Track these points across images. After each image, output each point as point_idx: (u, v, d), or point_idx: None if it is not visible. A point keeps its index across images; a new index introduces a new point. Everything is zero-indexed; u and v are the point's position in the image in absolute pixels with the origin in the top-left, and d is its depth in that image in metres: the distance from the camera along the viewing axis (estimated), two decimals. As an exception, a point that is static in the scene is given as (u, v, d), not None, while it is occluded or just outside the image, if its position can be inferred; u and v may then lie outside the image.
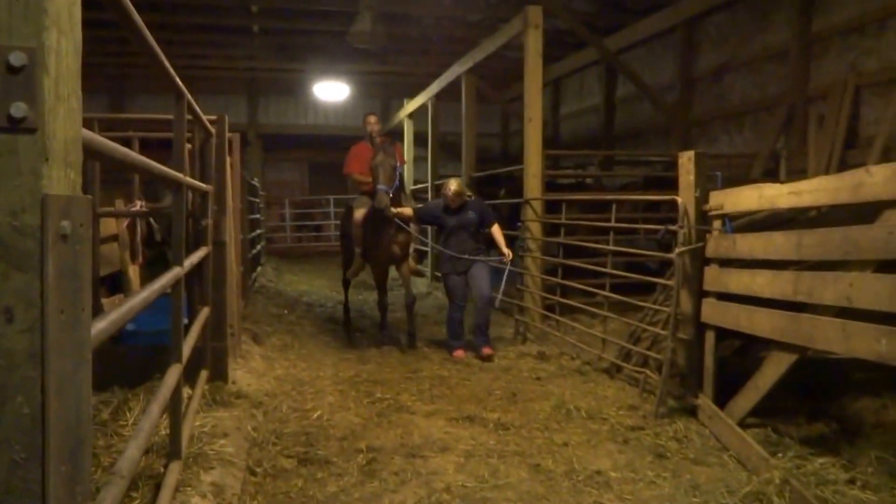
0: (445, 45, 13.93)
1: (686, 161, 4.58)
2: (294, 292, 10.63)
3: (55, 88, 1.17)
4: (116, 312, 1.70)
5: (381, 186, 6.15)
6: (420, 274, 7.65)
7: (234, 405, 4.20)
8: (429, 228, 8.96)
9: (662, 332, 4.80)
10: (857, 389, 4.41)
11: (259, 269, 11.64)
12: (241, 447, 3.64)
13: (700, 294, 4.47)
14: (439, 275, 10.22)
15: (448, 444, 4.01)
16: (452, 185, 6.44)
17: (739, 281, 4.05)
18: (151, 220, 6.22)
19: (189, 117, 3.30)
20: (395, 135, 6.70)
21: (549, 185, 8.72)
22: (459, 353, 6.29)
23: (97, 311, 3.88)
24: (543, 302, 7.11)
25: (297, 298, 9.97)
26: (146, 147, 4.70)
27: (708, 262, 4.43)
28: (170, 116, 3.12)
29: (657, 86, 11.73)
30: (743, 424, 3.93)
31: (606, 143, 13.69)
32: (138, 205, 5.43)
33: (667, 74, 11.87)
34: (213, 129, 4.40)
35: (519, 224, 7.52)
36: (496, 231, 6.56)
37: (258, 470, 3.51)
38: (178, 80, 2.71)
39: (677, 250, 4.52)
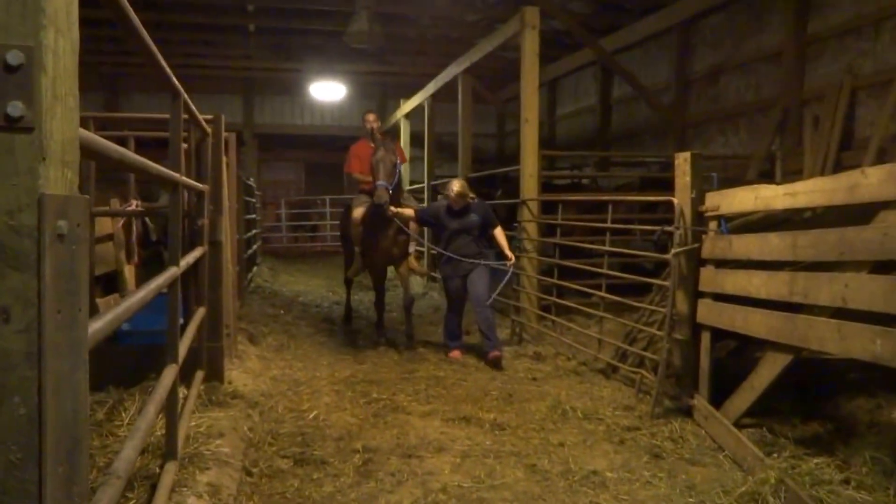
0: (442, 46, 13.93)
1: (682, 162, 4.59)
2: (290, 292, 10.62)
3: (52, 87, 1.17)
4: (113, 312, 1.70)
5: (380, 182, 6.10)
6: (423, 274, 7.58)
7: (230, 405, 4.19)
8: (425, 230, 8.87)
9: (658, 332, 4.81)
10: (852, 390, 4.43)
11: (255, 269, 11.63)
12: (238, 447, 3.63)
13: (696, 295, 4.48)
14: (435, 275, 10.24)
15: (444, 445, 4.01)
16: (455, 185, 6.30)
17: (735, 282, 4.06)
18: (147, 219, 6.21)
19: (185, 117, 3.30)
20: (392, 135, 6.65)
21: (546, 186, 8.72)
22: (456, 353, 6.29)
23: (92, 311, 3.86)
24: (539, 302, 7.12)
25: (293, 299, 9.96)
26: (142, 146, 4.68)
27: (704, 262, 4.44)
28: (166, 116, 3.11)
29: (653, 87, 11.74)
30: (738, 425, 3.94)
31: (602, 143, 13.70)
32: (134, 204, 5.41)
33: (663, 75, 11.89)
34: (209, 129, 4.39)
35: (515, 225, 7.52)
36: (499, 234, 6.45)
37: (254, 470, 3.51)
38: (174, 79, 2.70)
39: (673, 251, 4.53)
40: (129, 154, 1.99)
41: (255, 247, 11.72)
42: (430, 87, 11.45)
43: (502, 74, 15.30)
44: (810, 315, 3.40)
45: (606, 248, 6.13)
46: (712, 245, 4.34)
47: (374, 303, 7.19)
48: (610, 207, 6.29)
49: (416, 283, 10.12)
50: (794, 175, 7.88)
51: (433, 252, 9.03)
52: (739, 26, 9.96)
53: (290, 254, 17.72)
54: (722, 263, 4.29)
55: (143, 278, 5.60)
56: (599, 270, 6.14)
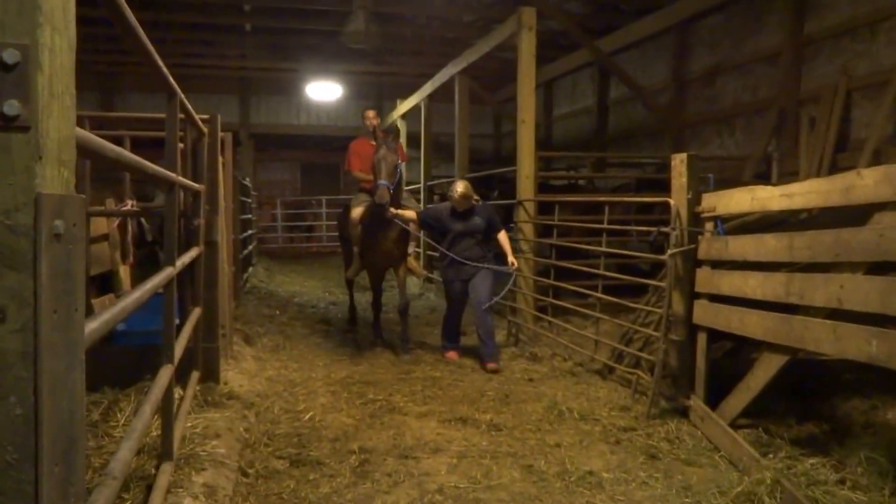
0: (439, 46, 13.93)
1: (678, 163, 4.59)
2: (286, 293, 10.60)
3: (49, 86, 1.16)
4: (109, 312, 1.69)
5: (382, 182, 5.98)
6: (421, 276, 7.49)
7: (226, 406, 4.18)
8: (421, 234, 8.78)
9: (654, 333, 4.82)
10: (848, 390, 4.44)
11: (250, 269, 11.60)
12: (233, 448, 3.62)
13: (692, 296, 4.49)
14: (432, 276, 10.23)
15: (440, 446, 4.01)
16: (459, 187, 6.17)
17: (731, 282, 4.07)
18: (142, 219, 6.19)
19: (181, 116, 3.29)
20: (393, 134, 6.55)
21: (542, 187, 8.73)
22: (452, 354, 6.28)
23: (88, 311, 3.85)
24: (536, 303, 7.12)
25: (288, 299, 9.94)
26: (138, 146, 4.67)
27: (700, 263, 4.45)
28: (162, 115, 3.10)
29: (650, 88, 11.77)
30: (734, 425, 3.95)
31: (599, 144, 13.72)
32: (129, 204, 5.40)
33: (659, 76, 11.92)
34: (205, 129, 4.38)
35: (512, 225, 7.52)
36: (503, 238, 6.35)
37: (250, 471, 3.50)
38: (170, 78, 2.70)
39: (669, 252, 4.53)
40: (126, 153, 1.98)
41: (250, 247, 11.70)
42: (427, 88, 11.44)
43: (499, 75, 15.31)
44: (806, 316, 3.41)
45: (603, 248, 6.14)
46: (708, 246, 4.35)
47: (370, 303, 7.17)
48: (606, 208, 6.29)
49: (413, 284, 10.12)
50: (790, 176, 7.91)
51: (428, 253, 9.02)
52: (736, 27, 9.99)
53: (286, 254, 17.70)
54: (718, 264, 4.30)
55: (138, 278, 5.59)
56: (596, 271, 6.14)
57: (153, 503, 2.50)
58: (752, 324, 3.83)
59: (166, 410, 2.85)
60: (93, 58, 14.67)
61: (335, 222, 10.52)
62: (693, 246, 4.47)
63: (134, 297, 2.04)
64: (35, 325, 1.11)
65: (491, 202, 9.15)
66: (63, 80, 1.23)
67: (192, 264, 3.91)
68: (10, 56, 1.09)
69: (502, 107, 15.73)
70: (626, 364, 5.28)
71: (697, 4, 10.09)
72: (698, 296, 4.43)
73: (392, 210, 6.11)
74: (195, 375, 4.14)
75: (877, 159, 6.83)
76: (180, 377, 3.69)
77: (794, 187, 3.66)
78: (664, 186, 5.41)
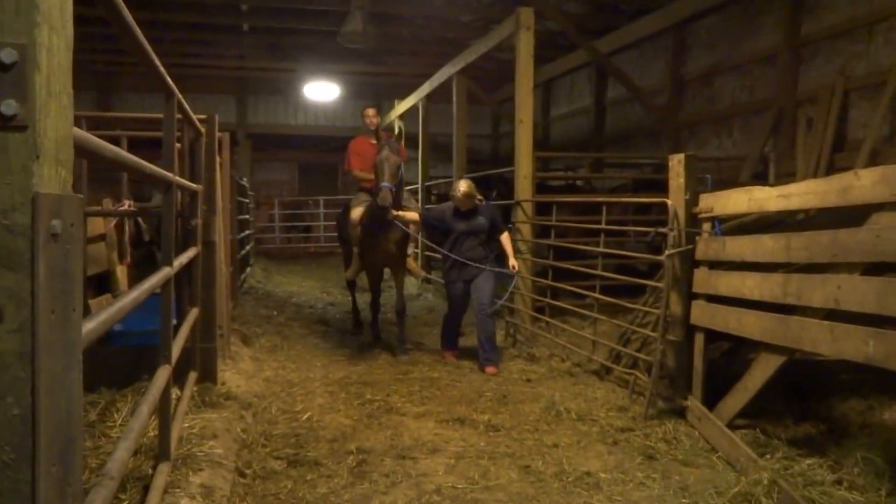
0: (437, 46, 13.92)
1: (676, 164, 4.60)
2: (283, 293, 10.59)
3: (46, 85, 1.16)
4: (106, 313, 1.69)
5: (384, 183, 5.88)
6: (420, 276, 7.40)
7: (224, 406, 4.18)
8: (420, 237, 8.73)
9: (652, 334, 4.82)
10: (845, 391, 4.45)
11: (248, 269, 11.59)
12: (231, 449, 3.62)
13: (689, 296, 4.49)
14: (430, 277, 10.23)
15: (438, 446, 4.01)
16: (462, 186, 6.08)
17: (729, 283, 4.07)
18: (139, 219, 6.18)
19: (179, 116, 3.28)
20: (397, 134, 6.46)
21: (540, 187, 8.73)
22: (451, 355, 6.27)
23: (85, 311, 3.84)
24: (533, 304, 7.12)
25: (286, 299, 9.93)
26: (135, 146, 4.66)
27: (697, 264, 4.45)
28: (159, 115, 3.10)
29: (647, 88, 11.78)
30: (731, 426, 3.96)
31: (597, 145, 13.73)
32: (126, 204, 5.39)
33: (657, 77, 11.93)
34: (202, 129, 4.38)
35: (510, 226, 7.52)
36: (505, 239, 6.28)
37: (247, 472, 3.50)
38: (168, 78, 2.69)
39: (667, 252, 4.54)
40: (123, 153, 1.98)
41: (248, 247, 11.68)
42: (425, 88, 11.45)
43: (497, 75, 15.32)
44: (803, 316, 3.42)
45: (600, 249, 6.14)
46: (706, 246, 4.36)
47: (369, 304, 7.16)
48: (604, 209, 6.29)
49: (411, 285, 10.11)
50: (787, 177, 7.93)
51: (426, 253, 9.01)
52: (734, 28, 10.00)
53: (284, 255, 17.68)
54: (715, 265, 4.30)
55: (135, 279, 5.58)
56: (593, 272, 6.14)
57: (150, 503, 2.49)
58: (749, 324, 3.83)
59: (163, 411, 2.85)
60: (90, 57, 14.64)
61: (333, 222, 10.50)
62: (691, 246, 4.48)
63: (131, 297, 2.04)
64: (32, 325, 1.11)
65: (489, 202, 9.17)
66: (61, 79, 1.23)
67: (189, 264, 3.91)
68: (8, 55, 1.09)
69: (500, 107, 15.76)
70: (624, 364, 5.29)
71: (695, 5, 10.11)
72: (696, 296, 4.43)
73: (394, 212, 6.03)
74: (192, 376, 4.14)
75: (874, 160, 6.85)
76: (178, 377, 3.68)
77: (792, 188, 3.66)
78: (662, 187, 5.41)
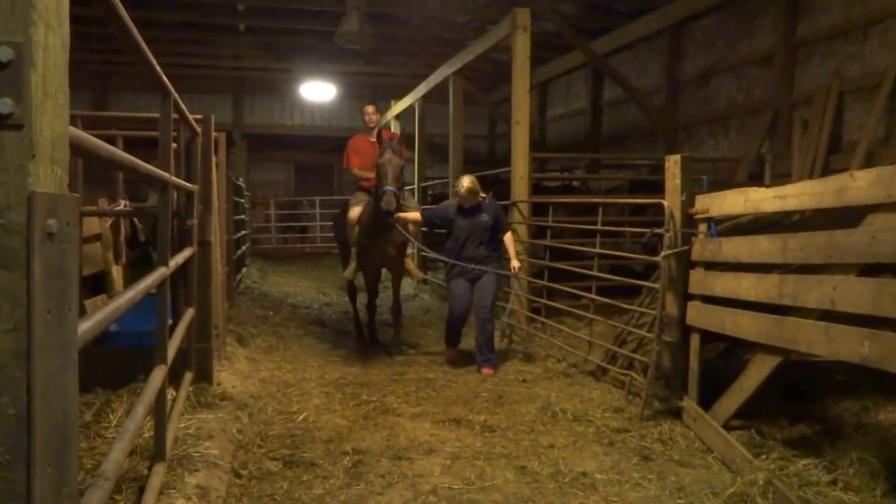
0: (433, 47, 13.94)
1: (672, 165, 4.60)
2: (279, 294, 10.57)
3: (42, 84, 1.16)
4: (102, 313, 1.68)
5: (389, 188, 5.76)
6: (418, 277, 7.31)
7: (219, 407, 4.17)
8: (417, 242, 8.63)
9: (648, 334, 4.83)
10: (840, 391, 4.46)
11: (244, 270, 11.58)
12: (226, 449, 3.61)
13: (685, 297, 4.49)
14: (427, 278, 10.22)
15: (434, 447, 4.00)
16: (466, 181, 5.95)
17: (724, 284, 4.08)
18: (135, 219, 6.16)
19: (175, 116, 3.28)
20: (402, 135, 6.37)
21: (536, 188, 8.73)
22: (452, 354, 6.19)
23: (80, 311, 3.81)
24: (529, 304, 7.12)
25: (282, 300, 9.92)
26: (131, 146, 4.65)
27: (693, 265, 4.46)
28: (155, 115, 3.09)
29: (644, 89, 11.80)
30: (727, 426, 3.96)
31: (593, 146, 13.75)
32: (122, 204, 5.38)
33: (653, 78, 11.96)
34: (198, 129, 4.37)
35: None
36: (508, 239, 6.15)
37: (243, 472, 3.49)
38: (164, 78, 2.69)
39: (663, 253, 4.54)
40: (119, 152, 1.97)
41: (244, 248, 11.67)
42: (421, 89, 11.45)
43: (493, 76, 15.33)
44: (799, 317, 3.42)
45: (597, 250, 6.14)
46: (702, 247, 4.36)
47: (365, 305, 7.13)
48: (600, 210, 6.30)
49: (407, 285, 10.11)
50: (783, 178, 7.95)
51: (424, 253, 9.00)
52: (730, 29, 10.03)
53: (280, 255, 17.65)
54: (711, 266, 4.31)
55: (131, 279, 5.56)
56: (589, 272, 6.15)
57: (146, 504, 2.49)
58: (745, 325, 3.84)
59: (159, 411, 2.84)
60: (86, 57, 14.61)
61: (329, 223, 10.44)
62: (687, 247, 4.48)
63: (127, 297, 2.03)
64: (28, 325, 1.11)
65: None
66: (57, 78, 1.23)
67: (185, 265, 3.90)
68: (4, 54, 1.09)
69: (497, 108, 15.75)
70: (620, 365, 5.29)
71: (691, 6, 10.13)
72: (692, 297, 4.44)
73: (397, 215, 5.92)
74: (188, 376, 4.13)
75: (869, 161, 6.87)
76: (173, 378, 3.67)
77: (788, 189, 3.67)
78: (658, 188, 5.41)
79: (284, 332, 7.50)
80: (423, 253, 8.28)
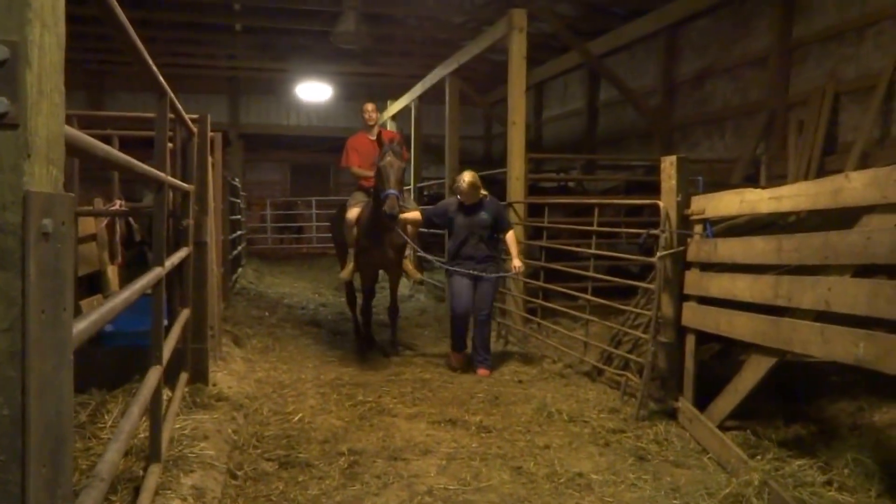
0: (429, 47, 13.94)
1: (668, 166, 4.61)
2: (275, 294, 10.56)
3: (38, 84, 1.15)
4: (97, 313, 1.68)
5: (391, 191, 5.63)
6: (416, 278, 7.27)
7: (215, 408, 4.16)
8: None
9: (643, 335, 4.83)
10: (835, 392, 4.48)
11: (240, 270, 11.55)
12: (222, 450, 3.60)
13: (681, 298, 4.50)
14: (424, 279, 10.20)
15: (430, 447, 4.00)
16: (466, 176, 5.83)
17: (720, 285, 4.09)
18: (131, 219, 6.14)
19: (171, 116, 3.27)
20: (403, 136, 6.31)
21: (532, 189, 8.74)
22: (459, 358, 6.05)
23: (75, 311, 3.80)
24: (525, 305, 7.13)
25: (278, 300, 9.90)
26: (127, 146, 4.63)
27: (689, 266, 4.47)
28: (151, 115, 3.08)
29: (640, 90, 11.82)
30: (722, 427, 3.97)
31: (589, 147, 13.77)
32: (118, 204, 5.36)
33: (649, 79, 11.98)
34: (194, 129, 4.36)
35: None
36: (510, 239, 6.05)
37: (239, 473, 3.49)
38: (160, 78, 2.68)
39: (659, 254, 4.55)
40: (115, 152, 1.97)
41: (239, 248, 11.65)
42: (417, 89, 11.44)
43: (490, 77, 15.34)
44: (794, 318, 3.43)
45: (592, 251, 6.15)
46: (697, 248, 4.37)
47: (361, 306, 7.12)
48: (596, 210, 6.30)
49: (403, 285, 10.09)
50: (778, 179, 7.97)
51: (419, 254, 8.99)
52: (726, 31, 10.06)
53: (276, 255, 17.63)
54: (707, 267, 4.32)
55: (126, 279, 5.55)
56: (585, 273, 6.15)
57: (141, 505, 2.48)
58: (740, 326, 3.85)
59: (154, 412, 2.84)
60: (82, 56, 14.58)
61: (325, 223, 10.41)
62: (682, 248, 4.49)
63: (122, 297, 2.02)
64: (23, 325, 1.10)
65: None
66: (52, 77, 1.22)
67: (180, 265, 3.89)
68: (-1, 53, 1.08)
69: (493, 108, 15.75)
70: (616, 366, 5.30)
71: (687, 8, 10.16)
72: (687, 298, 4.44)
73: (400, 216, 5.82)
74: (184, 377, 4.12)
75: (864, 162, 6.90)
76: (169, 378, 3.66)
77: (783, 190, 3.68)
78: (654, 189, 5.43)
79: (280, 332, 7.49)
80: (420, 256, 8.27)
